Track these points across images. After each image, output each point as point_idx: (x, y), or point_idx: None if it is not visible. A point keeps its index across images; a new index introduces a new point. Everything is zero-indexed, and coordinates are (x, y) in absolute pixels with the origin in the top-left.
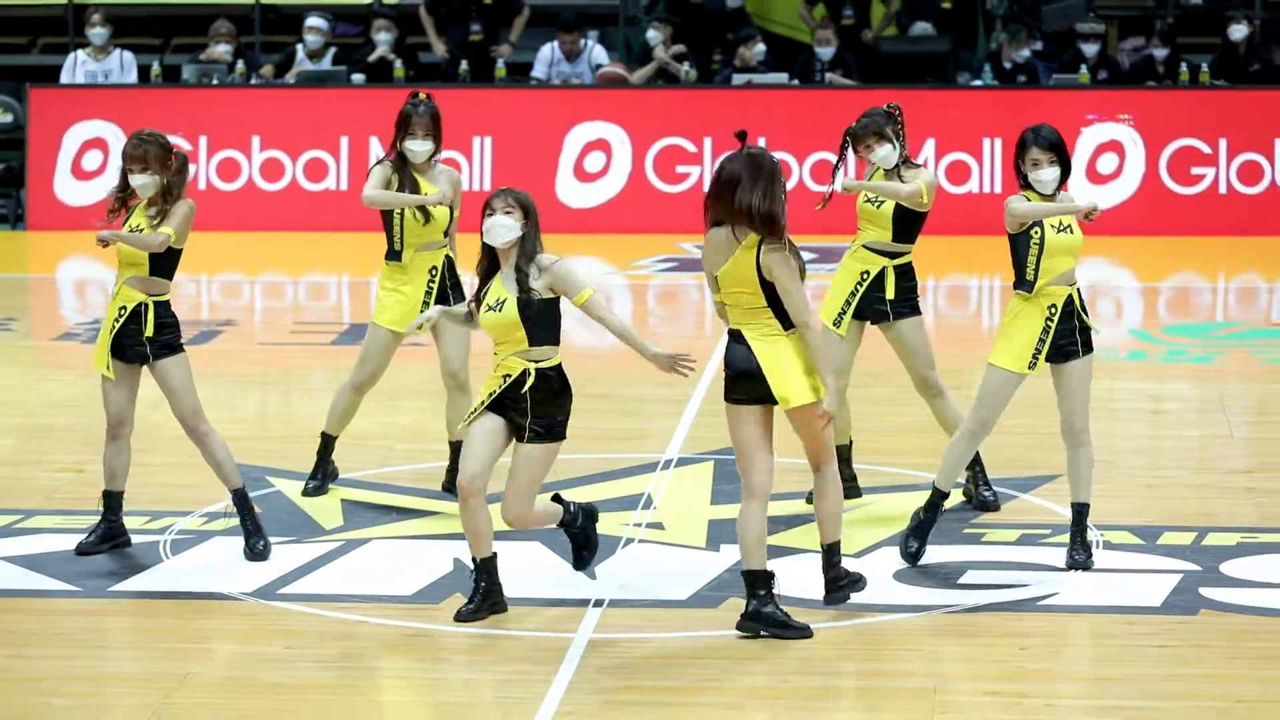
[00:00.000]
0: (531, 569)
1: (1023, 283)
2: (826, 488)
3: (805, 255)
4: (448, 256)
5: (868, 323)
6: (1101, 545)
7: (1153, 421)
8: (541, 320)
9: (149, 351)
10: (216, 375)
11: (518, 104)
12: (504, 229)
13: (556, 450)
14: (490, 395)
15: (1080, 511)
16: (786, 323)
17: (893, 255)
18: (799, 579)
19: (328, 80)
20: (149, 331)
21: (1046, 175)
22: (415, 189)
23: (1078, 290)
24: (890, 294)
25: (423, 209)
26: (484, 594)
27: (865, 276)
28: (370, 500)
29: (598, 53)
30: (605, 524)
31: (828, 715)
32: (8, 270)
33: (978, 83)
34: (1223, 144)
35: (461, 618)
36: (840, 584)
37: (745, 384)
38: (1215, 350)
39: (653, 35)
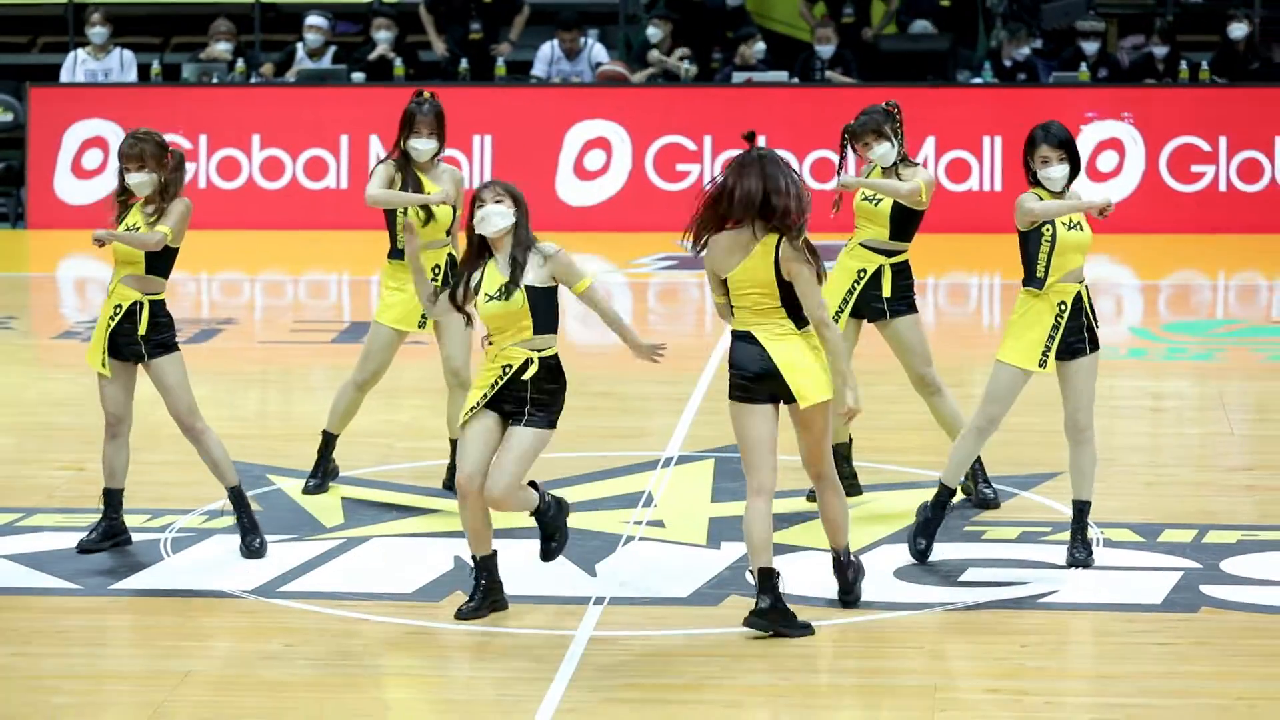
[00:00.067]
0: (532, 567)
1: (1033, 280)
2: (828, 494)
3: None
4: (450, 255)
5: (864, 321)
6: (1102, 543)
7: (1153, 419)
8: (545, 309)
9: (144, 350)
10: (217, 373)
11: (518, 102)
12: (499, 217)
13: (548, 439)
14: (492, 387)
15: (1081, 509)
16: (798, 322)
17: (889, 253)
18: (800, 576)
19: (328, 79)
20: (143, 330)
21: (1056, 173)
22: (419, 188)
23: (1086, 288)
24: (887, 292)
25: (425, 208)
26: (484, 591)
27: (862, 274)
28: (371, 498)
29: (598, 51)
30: (606, 522)
31: (828, 713)
32: (8, 269)
33: (978, 81)
34: (1223, 142)
35: (462, 615)
36: (851, 588)
37: (760, 383)
38: (1215, 348)
39: (653, 33)
